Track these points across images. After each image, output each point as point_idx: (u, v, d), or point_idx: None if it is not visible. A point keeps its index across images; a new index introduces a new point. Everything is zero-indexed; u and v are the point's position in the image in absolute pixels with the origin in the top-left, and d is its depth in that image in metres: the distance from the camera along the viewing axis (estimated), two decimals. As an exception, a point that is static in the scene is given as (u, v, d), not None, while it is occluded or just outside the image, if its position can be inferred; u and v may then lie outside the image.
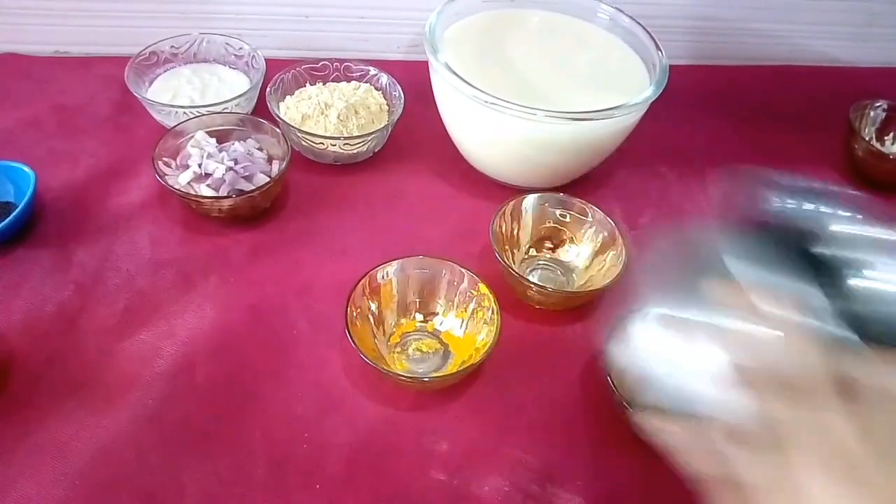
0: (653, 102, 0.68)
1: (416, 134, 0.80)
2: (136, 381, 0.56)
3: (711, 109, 0.92)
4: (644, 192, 0.79)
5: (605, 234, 0.66)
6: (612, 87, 0.72)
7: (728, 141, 0.88)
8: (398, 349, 0.60)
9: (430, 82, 0.73)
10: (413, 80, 0.79)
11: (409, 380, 0.57)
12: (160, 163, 0.66)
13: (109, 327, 0.59)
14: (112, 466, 0.51)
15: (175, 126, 0.69)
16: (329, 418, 0.55)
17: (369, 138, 0.72)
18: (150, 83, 0.78)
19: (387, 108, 0.78)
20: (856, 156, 0.83)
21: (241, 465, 0.52)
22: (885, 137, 0.87)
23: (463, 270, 0.59)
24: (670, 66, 0.70)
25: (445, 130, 0.76)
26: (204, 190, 0.65)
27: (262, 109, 0.76)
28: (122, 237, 0.66)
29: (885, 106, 0.86)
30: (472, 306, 0.59)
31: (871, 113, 0.86)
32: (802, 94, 0.98)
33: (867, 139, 0.83)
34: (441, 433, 0.56)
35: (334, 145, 0.71)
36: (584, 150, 0.70)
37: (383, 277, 0.59)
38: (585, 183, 0.77)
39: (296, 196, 0.72)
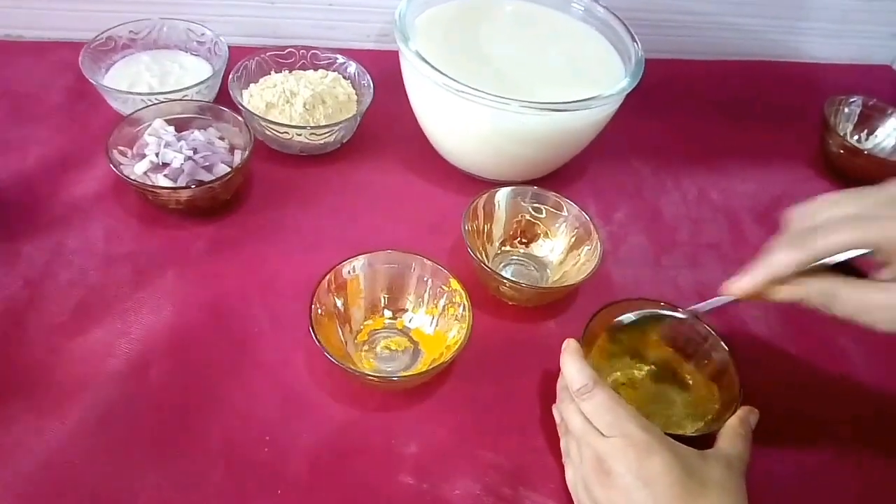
0: (628, 96, 0.67)
1: (387, 126, 0.77)
2: (87, 381, 0.53)
3: (686, 104, 0.91)
4: (618, 187, 0.78)
5: (580, 228, 0.64)
6: (586, 78, 0.71)
7: (703, 136, 0.87)
8: (366, 347, 0.57)
9: (400, 72, 0.71)
10: (383, 70, 0.76)
11: (376, 379, 0.54)
12: (115, 152, 0.63)
13: (59, 325, 0.56)
14: (59, 473, 0.48)
15: (131, 114, 0.66)
16: (292, 420, 0.53)
17: (337, 128, 0.69)
18: (107, 70, 0.75)
19: (355, 97, 0.75)
20: (830, 151, 0.82)
21: (198, 470, 0.49)
22: (860, 133, 0.86)
23: (433, 265, 0.57)
24: (645, 60, 0.69)
25: (417, 122, 0.74)
26: (161, 180, 0.62)
27: (224, 98, 0.73)
28: (75, 230, 0.63)
29: (860, 102, 0.86)
30: (442, 302, 0.57)
31: (846, 109, 0.86)
32: (777, 89, 0.97)
33: (842, 134, 0.83)
34: (410, 435, 0.53)
35: (300, 135, 0.68)
36: (559, 143, 0.68)
37: (349, 273, 0.56)
38: (559, 177, 0.75)
39: (260, 188, 0.69)
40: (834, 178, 0.84)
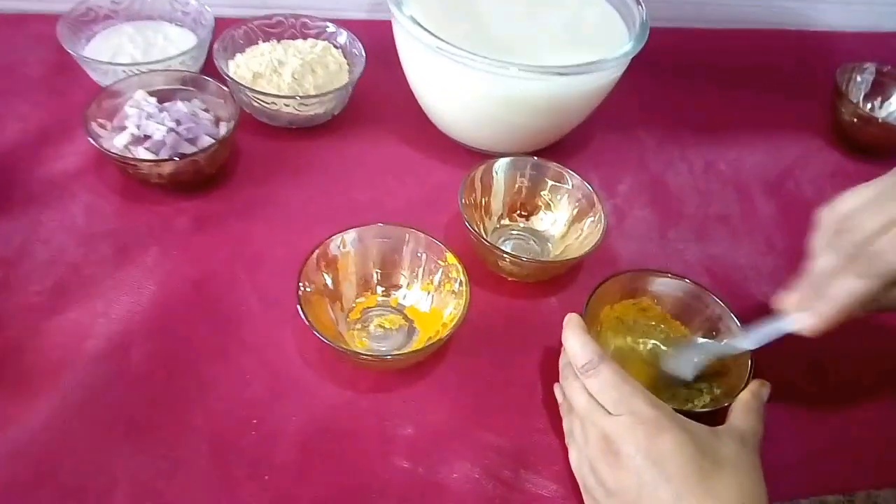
0: (632, 61, 0.63)
1: (380, 97, 0.74)
2: (65, 364, 0.50)
3: (693, 73, 0.88)
4: (622, 159, 0.75)
5: (583, 200, 0.61)
6: (588, 43, 0.67)
7: (710, 106, 0.84)
8: (358, 326, 0.55)
9: (394, 44, 0.68)
10: (376, 41, 0.72)
11: (369, 358, 0.52)
12: (94, 124, 0.60)
13: (36, 305, 0.53)
14: (35, 459, 0.45)
15: (111, 85, 0.63)
16: (280, 402, 0.50)
17: (327, 98, 0.66)
18: (88, 41, 0.72)
19: (347, 67, 0.72)
20: (842, 120, 0.79)
21: (181, 455, 0.47)
22: (873, 101, 0.83)
23: (428, 238, 0.54)
24: (651, 29, 0.65)
25: (411, 94, 0.71)
26: (142, 153, 0.59)
27: (210, 70, 0.69)
28: (53, 207, 0.60)
29: (874, 69, 0.82)
30: (438, 278, 0.54)
31: (859, 77, 0.83)
32: (786, 58, 0.94)
33: (854, 102, 0.79)
34: (405, 416, 0.51)
35: (288, 105, 0.65)
36: (560, 111, 0.65)
37: (339, 248, 0.53)
38: (560, 148, 0.72)
39: (247, 162, 0.66)
40: (846, 147, 0.81)
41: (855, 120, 0.78)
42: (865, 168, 0.79)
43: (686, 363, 0.53)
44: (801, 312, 0.46)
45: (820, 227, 0.47)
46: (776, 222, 0.71)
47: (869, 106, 0.83)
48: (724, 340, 0.53)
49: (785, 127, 0.82)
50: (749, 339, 0.50)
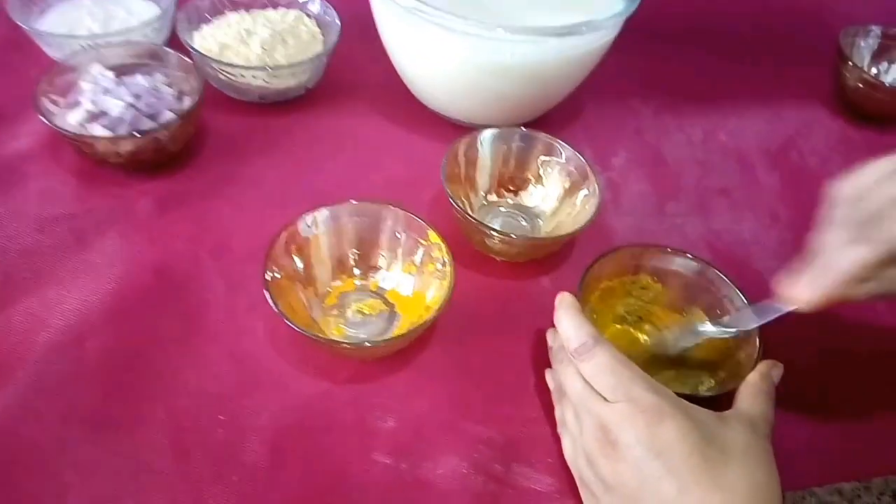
0: (625, 30, 0.59)
1: (357, 69, 0.70)
2: (17, 358, 0.46)
3: (690, 40, 0.84)
4: (617, 130, 0.71)
5: (575, 172, 0.57)
6: (578, 5, 0.63)
7: (708, 74, 0.80)
8: (335, 312, 0.51)
9: (370, 13, 0.63)
10: (353, 9, 0.68)
11: (346, 347, 0.48)
12: (45, 100, 0.55)
13: (-15, 297, 0.49)
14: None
15: (64, 59, 0.58)
16: (250, 396, 0.46)
17: (299, 69, 0.62)
18: (42, 14, 0.67)
19: (321, 37, 0.67)
20: (846, 86, 0.75)
21: (140, 456, 0.43)
22: (879, 66, 0.79)
23: (408, 216, 0.50)
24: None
25: (391, 63, 0.66)
26: (98, 130, 0.55)
27: (175, 44, 0.65)
28: (4, 191, 0.56)
29: (879, 32, 0.78)
30: (419, 258, 0.50)
31: (863, 41, 0.78)
32: (786, 23, 0.90)
33: (860, 67, 0.75)
34: (386, 408, 0.47)
35: (257, 78, 0.61)
36: (549, 78, 0.61)
37: (309, 228, 0.49)
38: (550, 120, 0.68)
39: (215, 141, 0.62)
40: (850, 115, 0.77)
41: (860, 85, 0.74)
42: (872, 136, 0.75)
43: (687, 343, 0.49)
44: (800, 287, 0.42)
45: (833, 202, 0.43)
46: (779, 194, 0.67)
47: (874, 70, 0.79)
48: (727, 318, 0.49)
49: (786, 94, 0.78)
50: (751, 318, 0.47)
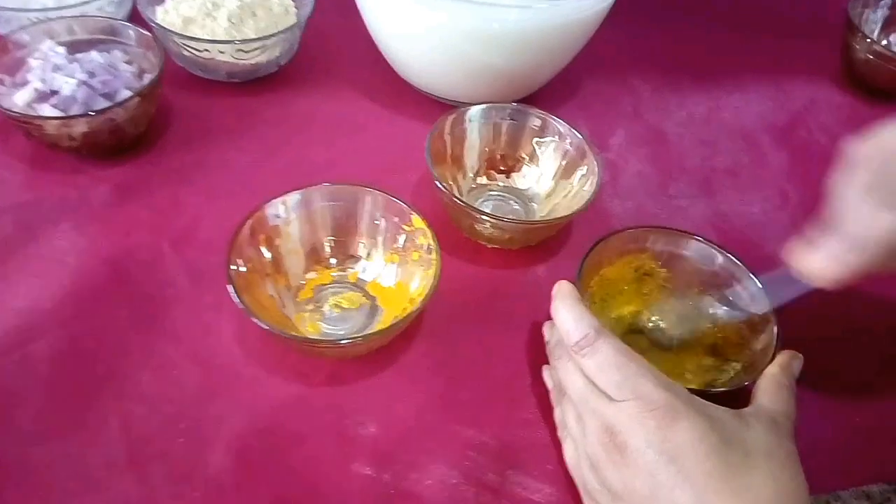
0: (623, 3, 0.55)
1: (334, 44, 0.66)
2: (-45, 363, 0.42)
3: (690, 13, 0.80)
4: (614, 108, 0.67)
5: (572, 150, 0.53)
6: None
7: (710, 47, 0.76)
8: (310, 307, 0.46)
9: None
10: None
11: (322, 345, 0.43)
12: (-12, 79, 0.51)
13: (-80, 296, 0.44)
14: None
15: (11, 34, 0.53)
16: (214, 402, 0.42)
17: (270, 43, 0.57)
18: (-9, -11, 0.62)
19: (294, 9, 0.62)
20: (856, 58, 0.71)
21: (91, 469, 0.38)
22: (889, 37, 0.75)
23: (388, 199, 0.45)
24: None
25: (370, 38, 0.62)
26: (47, 111, 0.50)
27: (138, 20, 0.60)
28: (-54, 180, 0.51)
29: (889, 2, 0.74)
30: (402, 245, 0.46)
31: (873, 11, 0.74)
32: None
33: (869, 38, 0.71)
34: (367, 413, 0.42)
35: (224, 53, 0.56)
36: (541, 49, 0.56)
37: (278, 215, 0.44)
38: (543, 97, 0.63)
39: (179, 122, 0.57)
40: (860, 89, 0.73)
41: (870, 57, 0.70)
42: (883, 111, 0.70)
43: (698, 330, 0.46)
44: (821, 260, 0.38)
45: (851, 164, 0.38)
46: (788, 174, 0.63)
47: (885, 42, 0.74)
48: (738, 303, 0.45)
49: (792, 69, 0.74)
50: (766, 299, 0.43)
